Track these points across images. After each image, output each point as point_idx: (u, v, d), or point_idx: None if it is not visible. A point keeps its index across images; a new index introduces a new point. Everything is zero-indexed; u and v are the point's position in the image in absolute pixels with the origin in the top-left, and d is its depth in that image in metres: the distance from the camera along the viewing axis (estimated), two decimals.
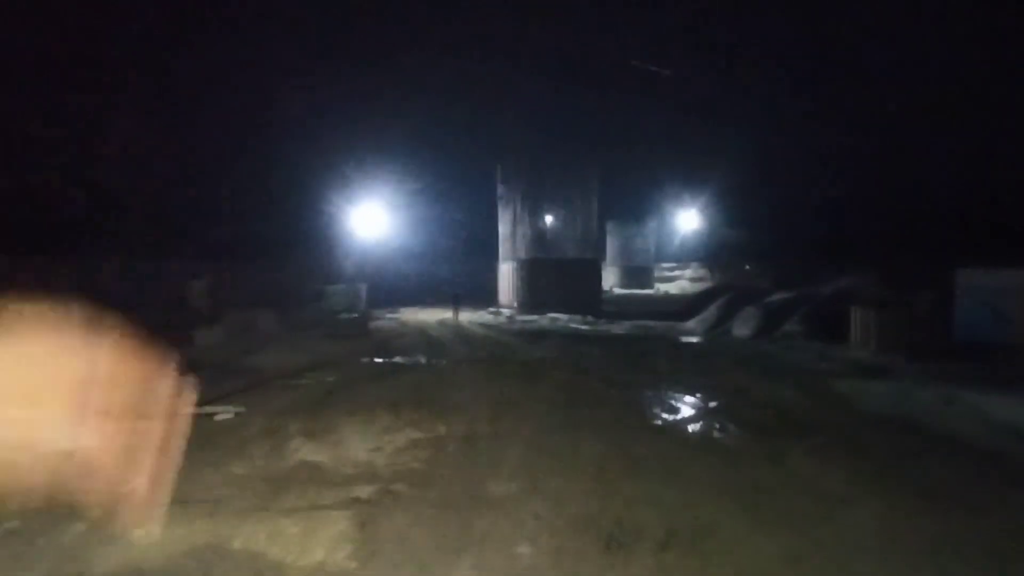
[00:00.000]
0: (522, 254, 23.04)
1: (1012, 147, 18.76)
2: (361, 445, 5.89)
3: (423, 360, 11.94)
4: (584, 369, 10.65)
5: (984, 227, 16.84)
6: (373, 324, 18.93)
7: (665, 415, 7.26)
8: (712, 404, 7.78)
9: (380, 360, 11.96)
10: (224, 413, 7.25)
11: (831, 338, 13.97)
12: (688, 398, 8.12)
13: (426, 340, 15.18)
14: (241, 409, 7.36)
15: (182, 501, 4.22)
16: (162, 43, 25.76)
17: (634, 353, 12.60)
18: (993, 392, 8.09)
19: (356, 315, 18.95)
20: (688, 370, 10.44)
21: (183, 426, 4.59)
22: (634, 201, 35.32)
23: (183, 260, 22.88)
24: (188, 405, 5.31)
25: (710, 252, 33.71)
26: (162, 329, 16.22)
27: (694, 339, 15.48)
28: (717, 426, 6.67)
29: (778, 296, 17.87)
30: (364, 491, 4.64)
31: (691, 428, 6.69)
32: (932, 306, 11.79)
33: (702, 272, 33.75)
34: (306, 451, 5.72)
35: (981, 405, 7.61)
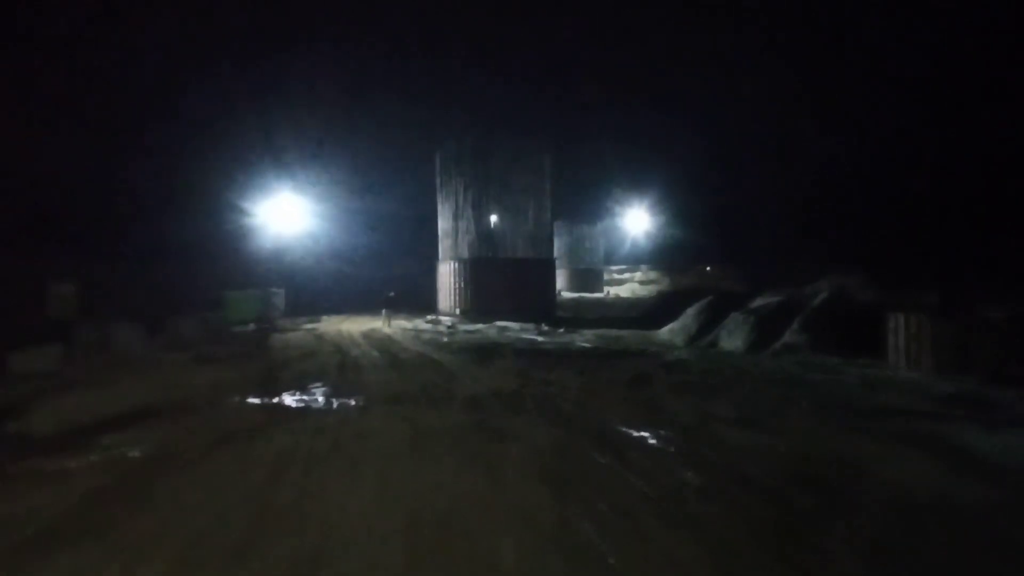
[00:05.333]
0: (465, 253, 18.80)
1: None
2: None
3: (322, 399, 7.57)
4: (562, 414, 6.57)
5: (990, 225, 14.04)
6: (280, 338, 14.24)
7: (775, 558, 3.25)
8: (834, 519, 3.83)
9: (258, 400, 7.51)
10: None
11: (849, 352, 10.57)
12: (781, 490, 4.14)
13: (340, 361, 10.75)
14: None
15: None
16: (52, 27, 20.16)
17: (621, 381, 8.62)
18: None
19: (254, 327, 14.26)
20: (717, 414, 6.52)
21: None
22: (583, 200, 31.67)
23: (47, 258, 17.48)
24: None
25: (662, 254, 30.52)
26: None
27: (680, 354, 11.70)
28: None
29: (765, 300, 14.39)
30: None
31: None
32: (1016, 317, 8.37)
33: (653, 275, 30.53)
34: None
35: None
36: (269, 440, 5.65)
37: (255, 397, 7.66)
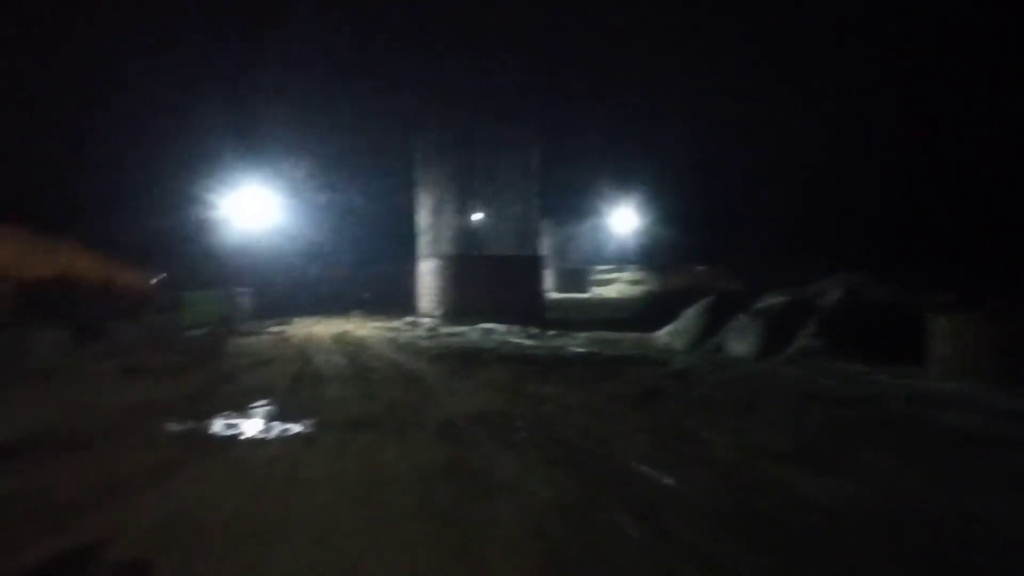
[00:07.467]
0: (447, 250, 17.17)
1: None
2: None
3: (260, 425, 5.90)
4: (564, 447, 4.99)
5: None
6: (238, 343, 12.48)
7: None
8: None
9: (179, 427, 5.83)
10: None
11: (875, 358, 9.14)
12: None
13: (298, 372, 9.06)
14: None
15: None
16: None
17: (628, 397, 7.06)
18: None
19: (208, 331, 12.50)
20: (763, 446, 4.98)
21: None
22: (569, 198, 30.00)
23: None
24: None
25: (651, 253, 29.10)
26: None
27: (686, 360, 10.20)
28: None
29: (772, 301, 12.92)
30: None
31: None
32: None
33: (641, 275, 29.09)
34: None
35: None
36: (165, 492, 3.99)
37: (178, 422, 5.97)
